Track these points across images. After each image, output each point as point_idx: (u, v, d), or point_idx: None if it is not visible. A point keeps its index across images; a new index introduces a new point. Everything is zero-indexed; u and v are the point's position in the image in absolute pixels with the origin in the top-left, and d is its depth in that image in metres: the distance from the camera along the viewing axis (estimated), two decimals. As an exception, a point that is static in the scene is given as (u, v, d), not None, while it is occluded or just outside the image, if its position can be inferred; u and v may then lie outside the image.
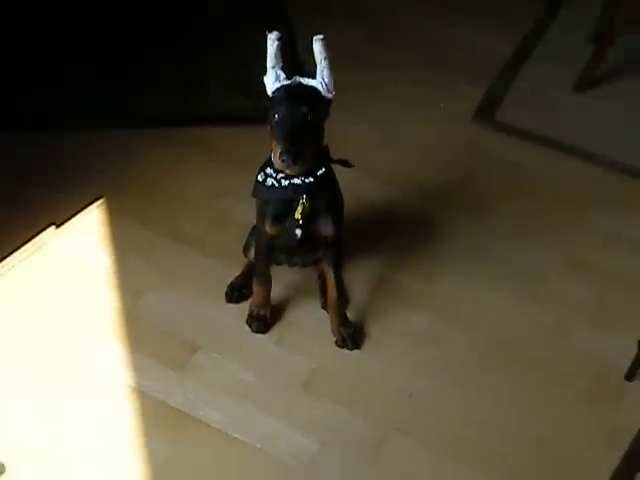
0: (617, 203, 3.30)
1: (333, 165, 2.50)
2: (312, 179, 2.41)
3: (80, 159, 3.28)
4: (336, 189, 2.54)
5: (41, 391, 2.54)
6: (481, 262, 3.02)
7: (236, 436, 2.45)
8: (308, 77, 2.37)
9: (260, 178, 2.45)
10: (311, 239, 2.56)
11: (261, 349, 2.69)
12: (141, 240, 2.99)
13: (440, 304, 2.87)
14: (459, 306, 2.87)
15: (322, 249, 2.63)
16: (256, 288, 2.70)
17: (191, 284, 2.86)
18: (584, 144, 3.54)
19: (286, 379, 2.61)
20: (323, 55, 2.32)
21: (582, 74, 3.81)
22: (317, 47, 2.32)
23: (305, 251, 2.69)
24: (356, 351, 2.70)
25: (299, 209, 2.44)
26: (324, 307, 2.78)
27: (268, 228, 2.51)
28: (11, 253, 2.89)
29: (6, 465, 2.35)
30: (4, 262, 2.86)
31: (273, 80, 2.38)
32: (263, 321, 2.73)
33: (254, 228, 2.71)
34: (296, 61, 3.38)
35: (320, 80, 2.35)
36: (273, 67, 2.37)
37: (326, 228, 2.52)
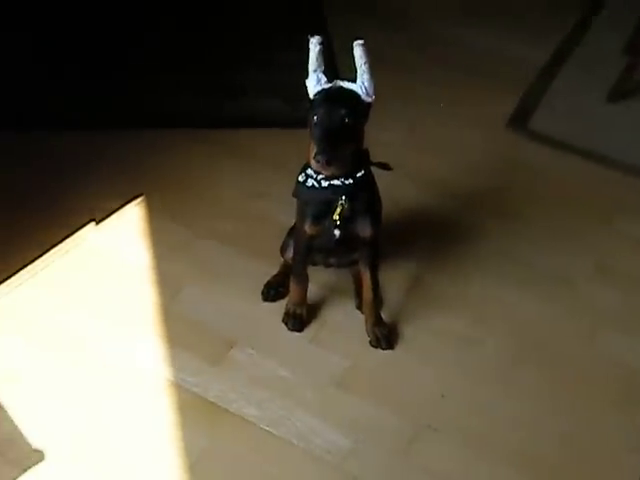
0: (647, 210, 3.33)
1: (372, 168, 2.54)
2: (352, 181, 2.45)
3: (120, 158, 3.34)
4: (375, 191, 2.58)
5: (80, 383, 2.60)
6: (511, 265, 3.05)
7: (271, 431, 2.49)
8: (348, 81, 2.41)
9: (301, 179, 2.50)
10: (349, 240, 2.59)
11: (297, 347, 2.73)
12: (179, 237, 3.04)
13: (472, 306, 2.90)
14: (490, 308, 2.90)
15: (359, 250, 2.67)
16: (293, 287, 2.75)
17: (228, 282, 2.90)
18: (615, 153, 3.55)
19: (321, 377, 2.65)
20: (363, 60, 2.36)
21: (615, 85, 3.83)
22: (357, 52, 2.36)
23: (342, 252, 2.73)
24: (390, 351, 2.74)
25: (338, 210, 2.49)
26: (359, 307, 2.82)
27: (308, 228, 2.56)
28: (51, 248, 2.94)
29: (45, 453, 2.40)
30: (44, 257, 2.92)
31: (314, 83, 2.43)
32: (299, 319, 2.77)
33: (292, 229, 2.75)
34: (332, 63, 3.42)
35: (360, 84, 2.39)
36: (315, 70, 2.42)
37: (364, 229, 2.56)
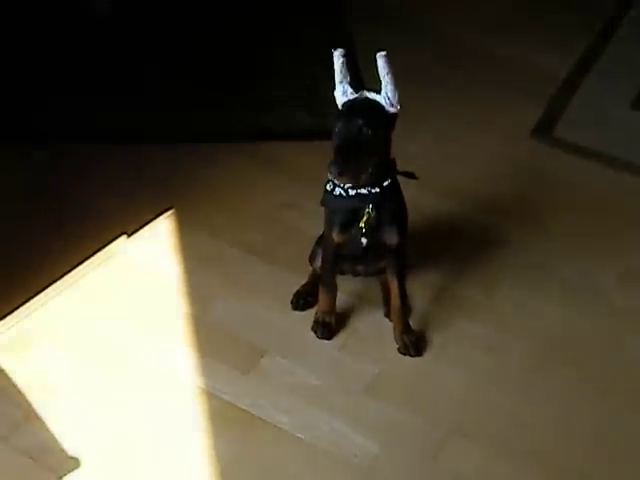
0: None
1: (398, 177, 2.58)
2: (378, 190, 2.50)
3: (151, 172, 3.41)
4: (401, 200, 2.62)
5: (114, 392, 2.64)
6: (537, 273, 3.07)
7: (301, 437, 2.53)
8: (375, 92, 2.45)
9: (329, 187, 2.54)
10: (375, 248, 2.64)
11: (326, 354, 2.77)
12: (209, 249, 3.09)
13: (498, 314, 2.92)
14: (516, 316, 2.92)
15: (386, 258, 2.71)
16: (322, 296, 2.79)
17: (258, 292, 2.95)
18: (640, 162, 3.60)
19: (350, 383, 2.68)
20: (386, 71, 2.40)
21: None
22: (380, 63, 2.39)
23: (369, 260, 2.77)
24: (418, 358, 2.77)
25: (364, 218, 2.53)
26: (387, 315, 2.86)
27: (335, 236, 2.60)
28: (84, 261, 3.00)
29: (80, 460, 2.45)
30: (78, 269, 2.97)
31: (341, 94, 2.48)
32: (328, 328, 2.81)
33: (320, 238, 2.80)
34: (357, 75, 3.46)
35: (384, 95, 2.43)
36: (340, 82, 2.46)
37: (390, 237, 2.60)
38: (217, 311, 2.89)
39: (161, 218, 3.19)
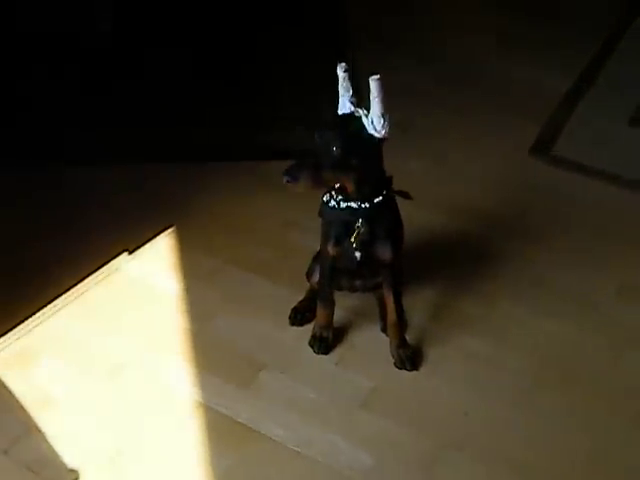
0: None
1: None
2: (368, 205, 2.53)
3: (152, 190, 3.46)
4: (396, 217, 2.65)
5: (113, 405, 2.67)
6: (535, 289, 3.10)
7: (298, 450, 2.55)
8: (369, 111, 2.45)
9: (325, 199, 2.58)
10: (370, 263, 2.66)
11: (323, 369, 2.79)
12: (209, 266, 3.13)
13: (495, 329, 2.94)
14: (514, 331, 2.94)
15: (382, 274, 2.74)
16: (320, 311, 2.82)
17: (257, 308, 2.98)
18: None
19: (346, 397, 2.70)
20: (375, 95, 2.37)
21: (637, 110, 3.88)
22: (372, 86, 2.37)
23: (366, 275, 2.80)
24: (414, 372, 2.79)
25: (355, 233, 2.56)
26: (383, 330, 2.88)
27: (330, 249, 2.63)
28: (86, 277, 3.04)
29: (79, 472, 2.48)
30: (79, 285, 3.02)
31: (340, 108, 2.50)
32: (325, 343, 2.83)
33: (317, 254, 2.83)
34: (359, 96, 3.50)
35: (370, 119, 2.42)
36: (342, 95, 2.49)
37: (384, 253, 2.62)
38: (216, 327, 2.92)
39: (162, 236, 3.23)
